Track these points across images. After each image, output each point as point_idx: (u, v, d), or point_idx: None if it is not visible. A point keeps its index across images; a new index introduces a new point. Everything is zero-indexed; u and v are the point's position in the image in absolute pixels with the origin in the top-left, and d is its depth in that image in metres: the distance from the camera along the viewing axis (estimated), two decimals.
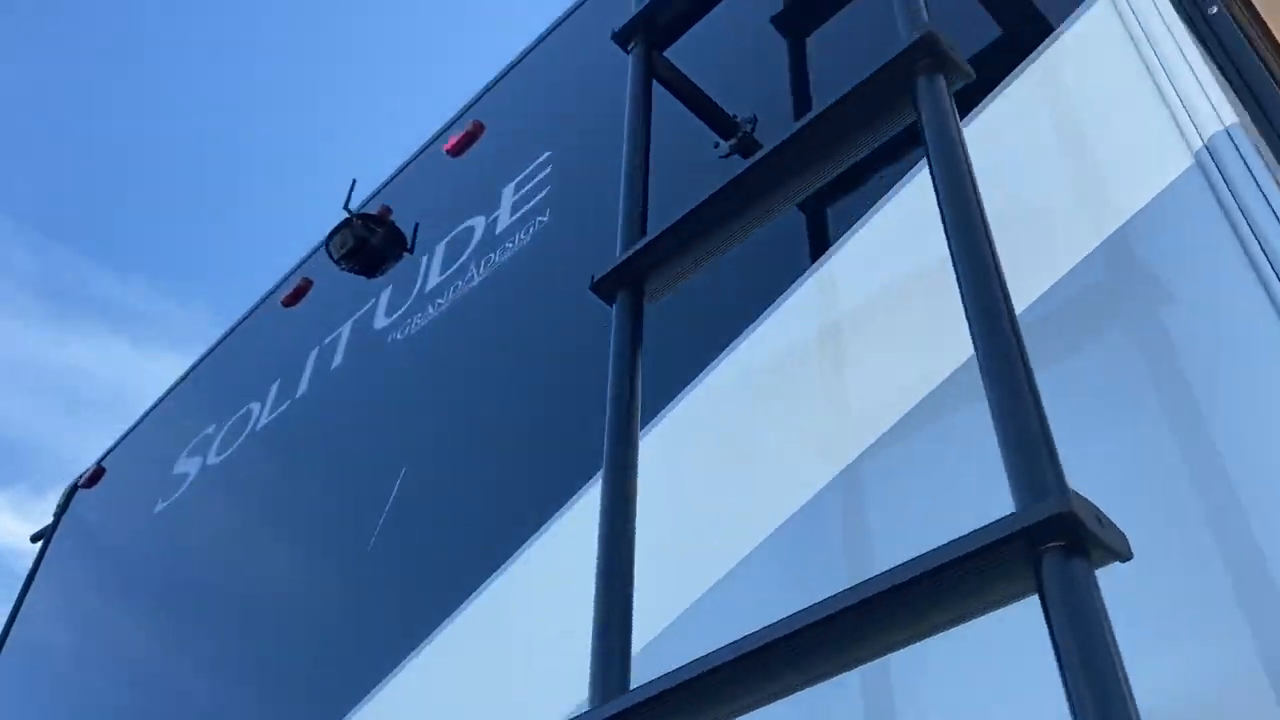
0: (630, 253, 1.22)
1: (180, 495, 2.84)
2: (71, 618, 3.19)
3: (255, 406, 2.78)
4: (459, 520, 1.77)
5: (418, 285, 2.39)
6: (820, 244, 1.41)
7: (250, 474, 2.59)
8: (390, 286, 2.53)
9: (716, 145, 1.69)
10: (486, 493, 1.77)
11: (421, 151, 2.88)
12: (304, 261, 3.19)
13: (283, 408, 2.63)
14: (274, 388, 2.75)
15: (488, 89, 2.73)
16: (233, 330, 3.36)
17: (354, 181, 2.91)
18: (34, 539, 3.94)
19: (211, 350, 3.39)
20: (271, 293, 3.27)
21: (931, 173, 0.93)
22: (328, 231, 3.06)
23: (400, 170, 2.92)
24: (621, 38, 1.57)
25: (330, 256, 2.86)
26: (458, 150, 2.69)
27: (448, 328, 2.14)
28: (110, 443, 3.63)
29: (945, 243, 0.96)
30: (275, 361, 2.92)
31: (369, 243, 2.79)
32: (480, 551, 1.64)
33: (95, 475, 3.68)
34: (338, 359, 2.53)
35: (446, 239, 2.41)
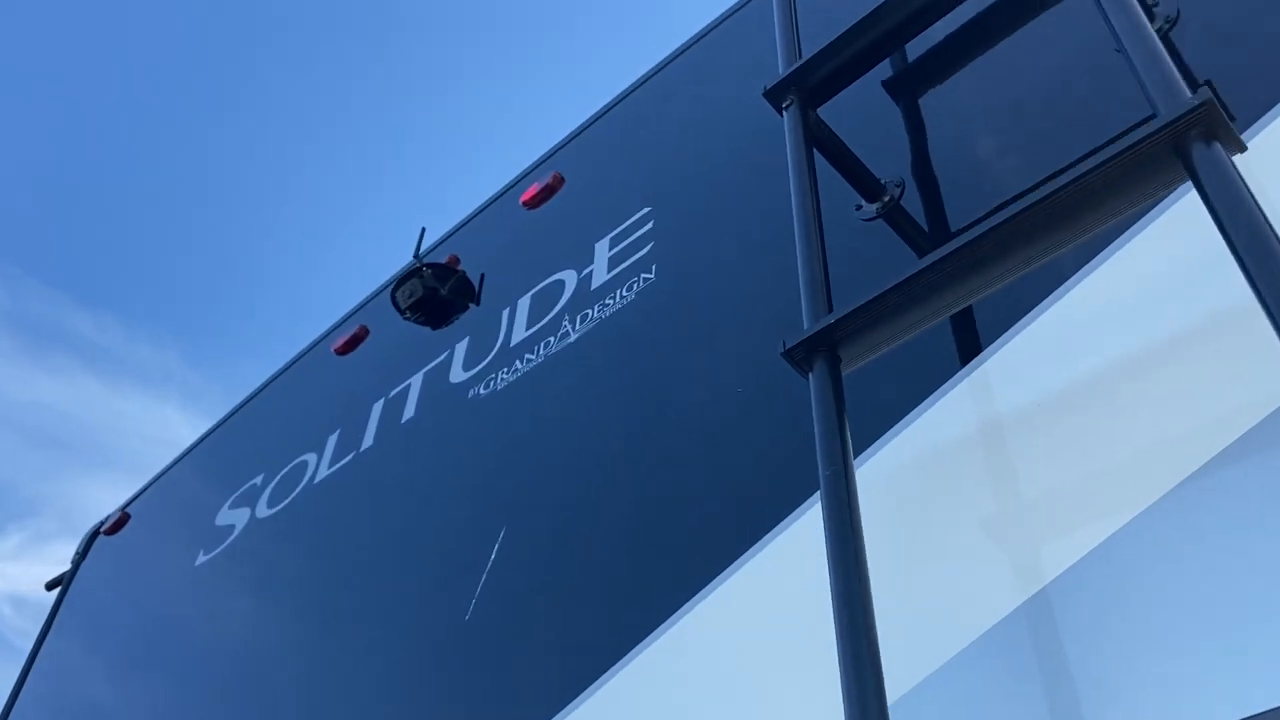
0: (829, 321, 1.15)
1: (226, 549, 2.71)
2: (94, 673, 3.04)
3: (311, 457, 2.67)
4: (569, 592, 1.67)
5: (500, 339, 2.31)
6: (994, 328, 1.35)
7: (309, 530, 2.47)
8: (467, 339, 2.45)
9: (859, 208, 1.63)
10: (601, 565, 1.67)
11: (491, 202, 2.82)
12: (360, 308, 3.11)
13: (345, 460, 2.53)
14: (332, 438, 2.65)
15: (568, 140, 2.69)
16: (277, 376, 3.25)
17: (423, 230, 2.86)
18: (49, 586, 3.78)
19: (253, 396, 3.28)
20: (322, 339, 3.19)
21: (1230, 243, 0.87)
22: (392, 279, 3.01)
23: (468, 220, 2.85)
24: (775, 96, 1.52)
25: (395, 306, 2.79)
26: (536, 202, 2.63)
27: (544, 384, 2.06)
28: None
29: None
30: (330, 411, 2.83)
31: (439, 294, 2.72)
32: (605, 632, 1.54)
33: (119, 522, 3.54)
34: (409, 411, 2.43)
35: (531, 292, 2.33)
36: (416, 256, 2.77)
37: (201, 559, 2.82)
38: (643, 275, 2.03)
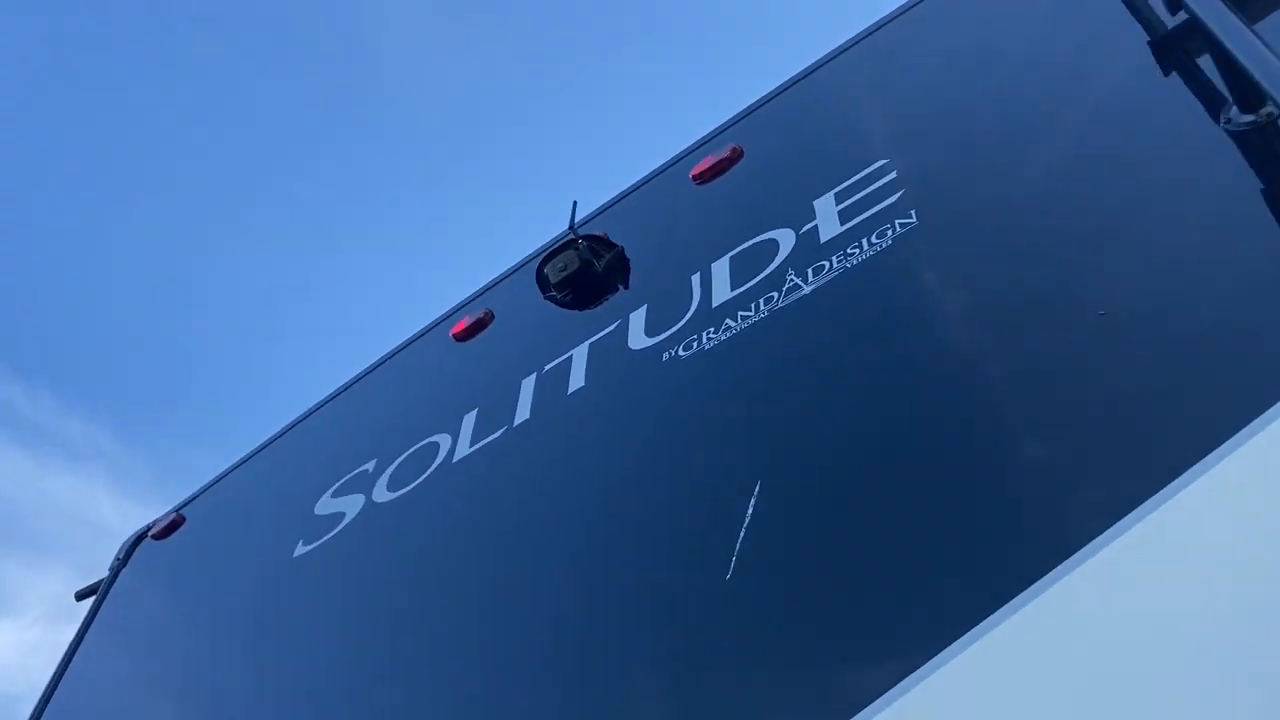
0: None
1: (337, 535, 2.39)
2: (150, 685, 2.65)
3: (443, 439, 2.38)
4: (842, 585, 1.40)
5: (695, 302, 2.08)
6: None
7: (463, 507, 2.17)
8: (643, 308, 2.21)
9: (1227, 121, 1.45)
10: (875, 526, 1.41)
11: (653, 177, 2.62)
12: (482, 292, 2.86)
13: (495, 435, 2.25)
14: (469, 417, 2.37)
15: (747, 113, 2.51)
16: (376, 366, 2.97)
17: (575, 203, 2.64)
18: (80, 596, 3.38)
19: (346, 387, 2.98)
20: (436, 324, 2.92)
21: None
22: (525, 260, 2.78)
23: (623, 196, 2.64)
24: None
25: (541, 281, 2.55)
26: (709, 176, 2.44)
27: (777, 337, 1.82)
28: None
29: None
30: (461, 392, 2.55)
31: (593, 269, 2.49)
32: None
33: (172, 525, 3.18)
34: (576, 381, 2.17)
35: (728, 256, 2.11)
36: (571, 228, 2.55)
37: (302, 549, 2.49)
38: (898, 221, 1.83)
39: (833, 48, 2.52)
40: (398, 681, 1.92)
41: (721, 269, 2.12)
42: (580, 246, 2.50)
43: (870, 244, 1.85)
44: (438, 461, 2.34)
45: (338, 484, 2.60)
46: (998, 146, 1.83)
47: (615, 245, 2.51)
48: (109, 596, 3.14)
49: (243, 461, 3.10)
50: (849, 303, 1.79)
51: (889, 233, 1.83)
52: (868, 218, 1.90)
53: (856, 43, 2.46)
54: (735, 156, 2.45)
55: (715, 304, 2.05)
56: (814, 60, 2.53)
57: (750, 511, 1.54)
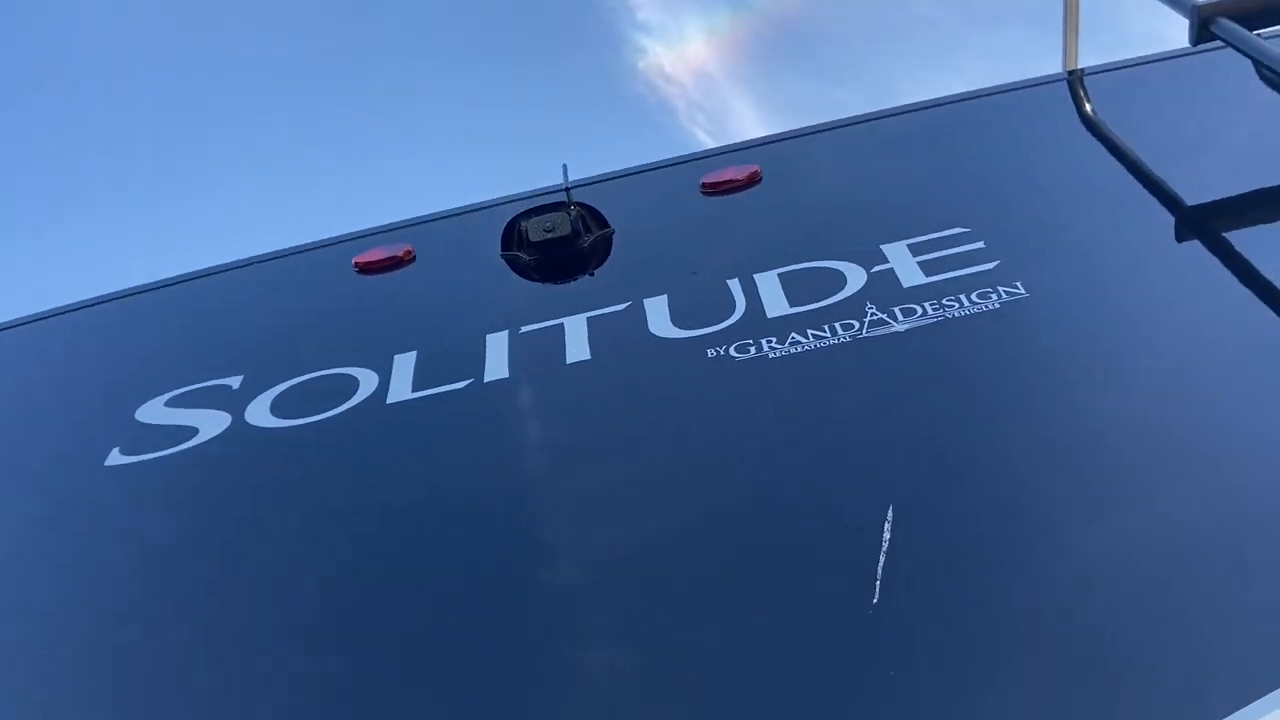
0: None
1: (185, 451, 1.77)
2: None
3: (364, 374, 1.89)
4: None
5: (742, 307, 1.85)
6: None
7: (406, 456, 1.70)
8: (663, 296, 1.94)
9: None
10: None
11: (651, 169, 2.37)
12: (397, 228, 2.39)
13: (453, 386, 1.81)
14: (404, 359, 1.90)
15: (775, 139, 2.38)
16: (232, 269, 2.34)
17: (565, 166, 2.32)
18: None
19: (183, 281, 2.31)
20: (326, 245, 2.38)
21: None
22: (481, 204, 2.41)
23: (617, 176, 2.36)
24: None
25: (513, 235, 2.19)
26: (720, 190, 2.26)
27: (858, 364, 1.65)
28: None
29: None
30: (377, 328, 2.07)
31: (577, 241, 2.18)
32: None
33: None
34: (578, 353, 1.82)
35: (776, 271, 1.93)
36: (566, 190, 2.22)
37: (119, 459, 1.82)
38: (1002, 288, 1.76)
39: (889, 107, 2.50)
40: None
41: (770, 282, 1.93)
42: (572, 213, 2.19)
43: (972, 301, 1.77)
44: (359, 399, 1.85)
45: (175, 393, 1.98)
46: (1102, 230, 1.86)
47: (608, 225, 2.23)
48: None
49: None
50: (952, 350, 1.68)
51: (994, 297, 1.76)
52: (961, 277, 1.83)
53: (920, 110, 2.45)
54: (754, 179, 2.31)
55: (771, 315, 1.85)
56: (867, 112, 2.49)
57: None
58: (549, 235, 2.18)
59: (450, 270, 2.30)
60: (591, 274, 2.15)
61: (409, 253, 2.34)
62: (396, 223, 2.40)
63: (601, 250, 2.23)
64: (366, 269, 2.31)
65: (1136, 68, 2.50)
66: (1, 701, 1.50)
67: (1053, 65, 2.58)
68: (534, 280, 2.18)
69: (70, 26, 7.04)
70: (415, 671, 1.38)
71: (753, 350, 1.79)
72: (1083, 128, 2.34)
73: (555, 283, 2.17)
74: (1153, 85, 2.43)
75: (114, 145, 6.95)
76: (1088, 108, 2.39)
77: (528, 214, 2.21)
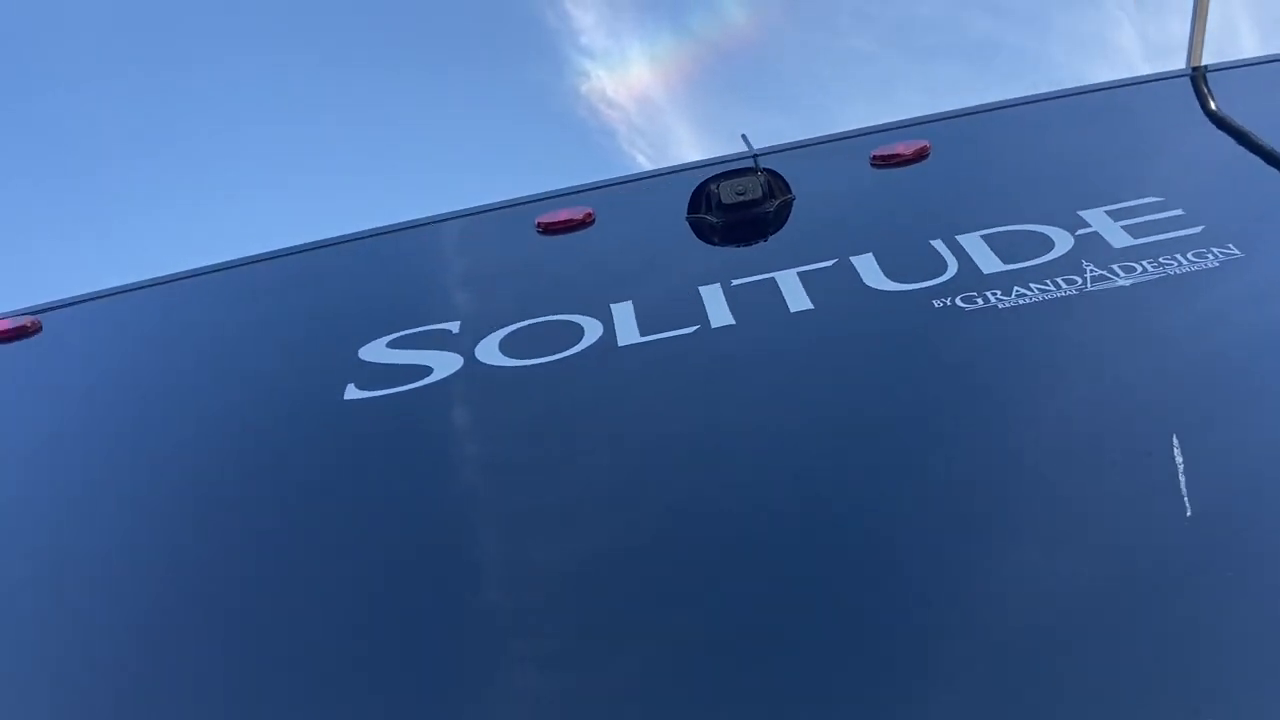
0: None
1: (423, 389, 1.82)
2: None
3: (588, 321, 1.95)
4: None
5: (955, 266, 1.93)
6: None
7: (648, 395, 1.75)
8: (868, 254, 2.01)
9: None
10: None
11: (823, 142, 2.45)
12: (574, 192, 2.45)
13: (681, 331, 1.88)
14: (620, 308, 1.97)
15: (941, 117, 2.47)
16: (410, 228, 2.39)
17: (744, 135, 2.40)
18: None
19: (360, 238, 2.35)
20: (504, 206, 2.43)
21: None
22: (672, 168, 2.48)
23: (789, 148, 2.44)
24: None
25: (704, 198, 2.26)
26: (890, 164, 2.35)
27: (1093, 314, 1.73)
28: None
29: None
30: (575, 282, 2.13)
31: (761, 204, 2.26)
32: None
33: (17, 330, 2.29)
34: (798, 303, 1.90)
35: (978, 233, 2.01)
36: (754, 156, 2.29)
37: (356, 394, 1.87)
38: (1215, 249, 1.85)
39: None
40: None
41: (975, 243, 2.01)
42: (761, 178, 2.27)
43: (1189, 260, 1.86)
44: (589, 342, 1.91)
45: (394, 336, 2.03)
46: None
47: (791, 191, 2.31)
48: None
49: (173, 279, 2.32)
50: (1181, 302, 1.77)
51: (1210, 257, 1.85)
52: (1171, 239, 1.92)
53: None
54: (922, 154, 2.39)
55: (988, 271, 1.93)
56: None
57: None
58: (740, 198, 2.25)
59: (634, 231, 2.37)
60: (782, 236, 2.23)
61: (589, 215, 2.40)
62: (577, 186, 2.47)
63: (783, 215, 2.31)
64: (549, 229, 2.38)
65: (1257, 66, 2.63)
66: (270, 626, 1.54)
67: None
68: (723, 241, 2.25)
69: None
70: (662, 613, 1.44)
71: (979, 302, 1.86)
72: (1217, 119, 2.44)
73: (747, 243, 2.25)
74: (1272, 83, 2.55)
75: None
76: (1212, 104, 2.50)
77: (719, 178, 2.28)
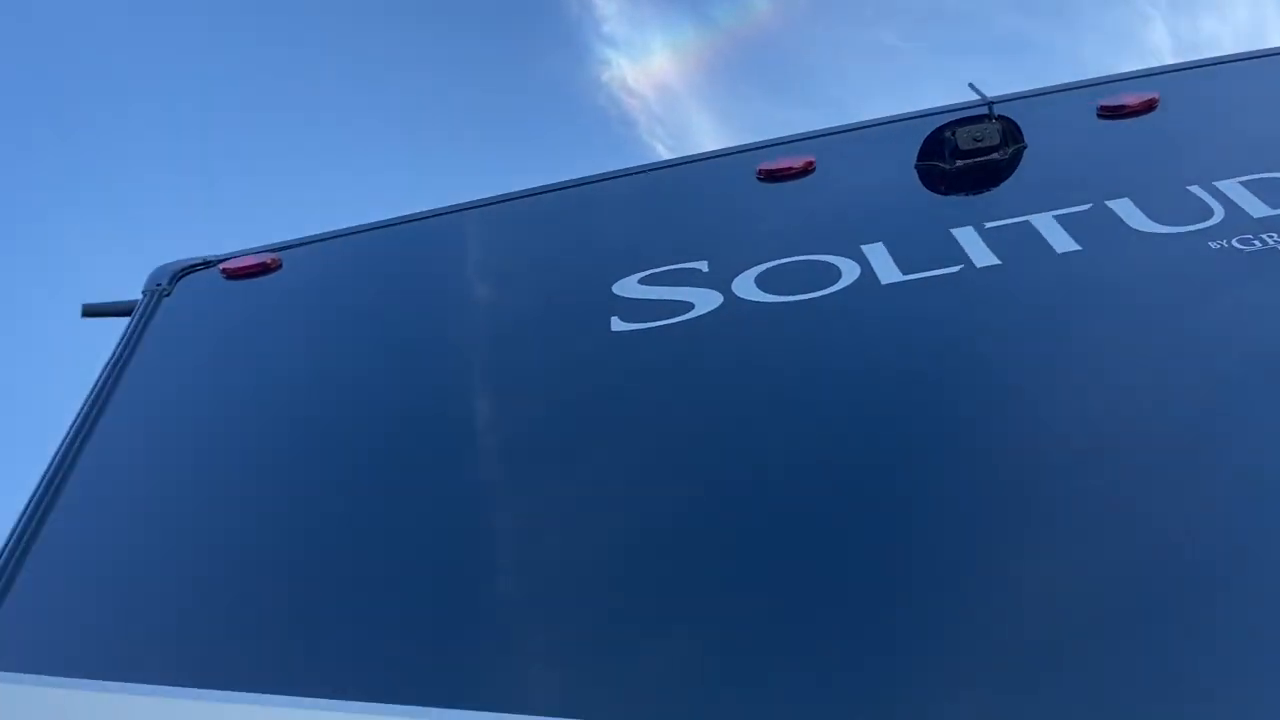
0: None
1: (685, 323, 1.86)
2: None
3: (842, 262, 1.96)
4: None
5: (1222, 211, 1.91)
6: None
7: (917, 331, 1.77)
8: (1125, 199, 1.99)
9: None
10: None
11: (1049, 92, 2.44)
12: (794, 140, 2.46)
13: (945, 270, 1.88)
14: (872, 249, 1.97)
15: (1170, 69, 2.43)
16: (634, 173, 2.42)
17: (972, 84, 2.39)
18: (90, 313, 2.41)
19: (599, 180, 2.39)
20: (724, 154, 2.46)
21: None
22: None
23: (1014, 99, 2.42)
24: None
25: (939, 144, 2.26)
26: (1119, 114, 2.32)
27: None
28: None
29: None
30: (815, 224, 2.15)
31: (994, 152, 2.25)
32: None
33: (260, 267, 2.37)
34: (1062, 244, 1.89)
35: (1237, 179, 1.98)
36: (988, 103, 2.29)
37: (621, 326, 1.91)
38: None
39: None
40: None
41: (1236, 189, 1.98)
42: (997, 125, 2.26)
43: None
44: (850, 280, 1.93)
45: (647, 273, 2.06)
46: None
47: (1023, 140, 2.30)
48: (148, 330, 2.24)
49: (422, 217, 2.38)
50: None
51: None
52: None
53: None
54: (1150, 105, 2.36)
55: (1257, 215, 1.90)
56: None
57: None
58: (978, 144, 2.25)
59: (859, 178, 2.37)
60: (1023, 181, 2.22)
61: (810, 163, 2.41)
62: (797, 135, 2.48)
63: (1018, 162, 2.29)
64: (771, 176, 2.39)
65: None
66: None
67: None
68: (959, 186, 2.25)
69: None
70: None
71: (1257, 244, 1.84)
72: None
73: (987, 189, 2.24)
74: None
75: None
76: None
77: (955, 125, 2.27)
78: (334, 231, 2.44)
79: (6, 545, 1.64)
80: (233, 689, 1.30)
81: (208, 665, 1.40)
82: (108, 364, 2.12)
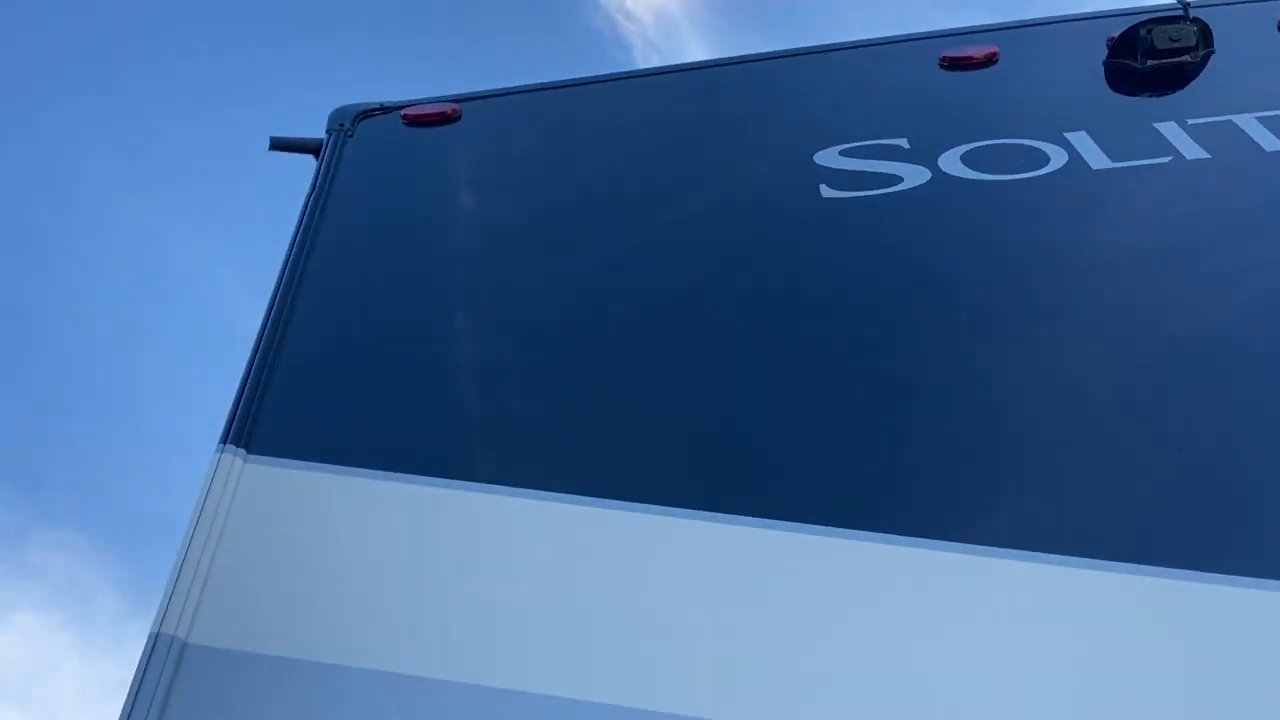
0: None
1: (899, 194, 1.89)
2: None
3: (1050, 149, 1.99)
4: None
5: None
6: None
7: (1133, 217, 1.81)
8: None
9: None
10: None
11: (1227, 3, 2.43)
12: (985, 30, 2.46)
13: (1152, 160, 1.92)
14: (1076, 137, 2.00)
15: None
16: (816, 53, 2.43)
17: None
18: (276, 146, 2.43)
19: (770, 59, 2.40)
20: (905, 41, 2.46)
21: None
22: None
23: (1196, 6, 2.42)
24: None
25: (1132, 42, 2.26)
26: None
27: None
28: None
29: None
30: (1007, 114, 2.17)
31: (1186, 53, 2.26)
32: None
33: (440, 115, 2.39)
34: (1271, 143, 1.92)
35: None
36: (1186, 5, 2.29)
37: (831, 193, 1.95)
38: None
39: None
40: None
41: None
42: (1194, 26, 2.26)
43: None
44: (1060, 163, 1.96)
45: (848, 145, 2.09)
46: None
47: (1213, 44, 2.31)
48: (339, 168, 2.28)
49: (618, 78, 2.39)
50: None
51: None
52: None
53: None
54: None
55: None
56: None
57: None
58: (1174, 44, 2.25)
59: (1043, 70, 2.38)
60: (1216, 82, 2.23)
61: (994, 54, 2.42)
62: (980, 26, 2.48)
63: (1208, 64, 2.30)
64: (954, 64, 2.40)
65: None
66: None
67: None
68: (1153, 84, 2.26)
69: None
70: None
71: None
72: None
73: (1181, 87, 2.26)
74: None
75: None
76: None
77: (1151, 23, 2.28)
78: (517, 87, 2.46)
79: (257, 348, 1.71)
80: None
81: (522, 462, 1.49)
82: (309, 195, 2.16)
